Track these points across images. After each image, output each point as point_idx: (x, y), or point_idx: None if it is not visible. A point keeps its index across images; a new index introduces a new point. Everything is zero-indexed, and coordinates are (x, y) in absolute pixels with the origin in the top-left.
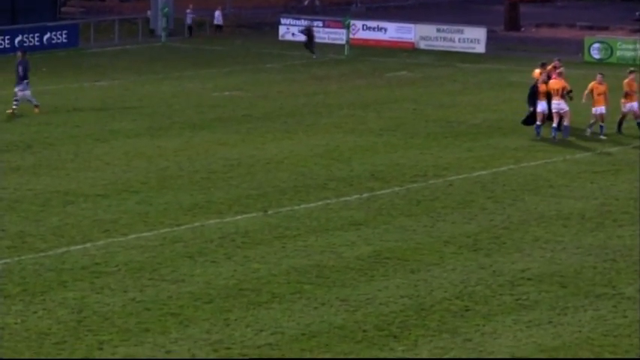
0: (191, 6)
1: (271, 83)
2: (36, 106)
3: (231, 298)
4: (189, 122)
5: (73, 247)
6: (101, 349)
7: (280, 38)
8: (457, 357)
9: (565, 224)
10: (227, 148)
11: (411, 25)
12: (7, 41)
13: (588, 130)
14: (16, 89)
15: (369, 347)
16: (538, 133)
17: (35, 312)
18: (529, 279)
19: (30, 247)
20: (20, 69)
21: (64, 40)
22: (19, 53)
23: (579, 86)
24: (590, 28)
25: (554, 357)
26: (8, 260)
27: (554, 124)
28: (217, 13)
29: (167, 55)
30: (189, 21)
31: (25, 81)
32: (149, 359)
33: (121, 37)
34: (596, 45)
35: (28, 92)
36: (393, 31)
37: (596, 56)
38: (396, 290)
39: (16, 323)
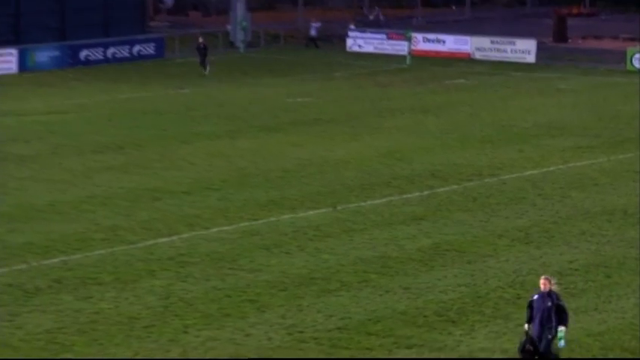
0: (314, 19)
1: (339, 90)
2: None
3: (303, 286)
4: (264, 125)
5: (160, 240)
6: (186, 332)
7: (348, 49)
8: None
9: (609, 219)
10: (299, 149)
11: (467, 37)
12: (100, 53)
13: None
14: None
15: (429, 331)
16: None
17: (126, 298)
18: (576, 269)
19: (121, 240)
20: None
21: (152, 52)
22: None
23: (621, 93)
24: (632, 39)
25: (600, 340)
26: (102, 251)
27: None
28: (313, 25)
29: (245, 64)
30: (313, 32)
31: None
32: None
33: None
34: (638, 55)
35: None
36: (450, 43)
37: (638, 66)
38: (454, 279)
39: (109, 308)
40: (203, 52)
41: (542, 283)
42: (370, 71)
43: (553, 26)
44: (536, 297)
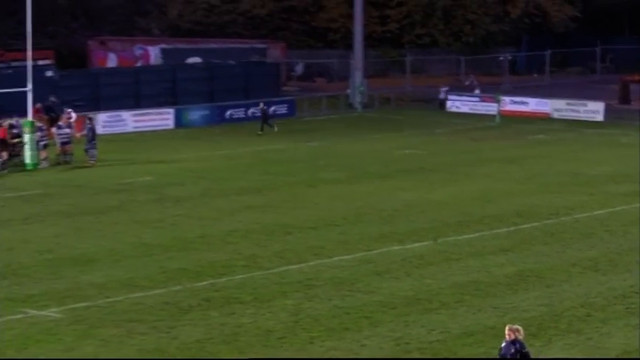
0: (443, 85)
1: (439, 143)
2: (94, 161)
3: (409, 306)
4: (377, 173)
5: (291, 267)
6: (312, 342)
7: (447, 110)
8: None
9: None
10: (406, 192)
11: (547, 100)
12: (242, 112)
13: None
14: (86, 147)
15: None
16: None
17: (263, 314)
18: (636, 292)
19: (259, 266)
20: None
21: (285, 111)
22: (88, 120)
23: None
24: None
25: None
26: (243, 276)
27: None
28: (442, 90)
29: (361, 122)
30: (442, 95)
31: (94, 142)
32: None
33: (327, 108)
34: None
35: (94, 151)
36: (533, 104)
37: None
38: (534, 300)
39: (249, 323)
40: (264, 115)
41: (507, 334)
42: (465, 128)
43: (618, 91)
44: (504, 345)
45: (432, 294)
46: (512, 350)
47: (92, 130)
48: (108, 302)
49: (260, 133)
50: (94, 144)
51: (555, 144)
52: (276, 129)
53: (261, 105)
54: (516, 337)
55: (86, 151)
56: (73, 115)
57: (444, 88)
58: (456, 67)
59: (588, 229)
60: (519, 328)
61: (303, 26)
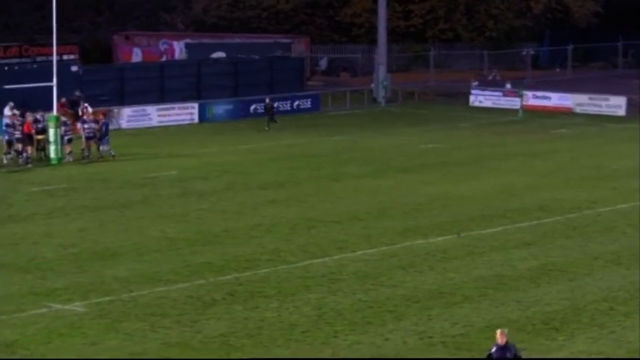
0: (473, 79)
1: (463, 138)
2: (113, 155)
3: (433, 299)
4: (401, 167)
5: (314, 260)
6: (336, 336)
7: (470, 104)
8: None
9: None
10: (430, 186)
11: (569, 95)
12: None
13: None
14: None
15: (536, 337)
16: None
17: (287, 308)
18: None
19: (283, 260)
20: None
21: (309, 106)
22: (101, 116)
23: None
24: None
25: None
26: (267, 270)
27: None
28: (474, 84)
29: (385, 116)
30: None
31: (107, 137)
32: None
33: (351, 103)
34: None
35: (105, 147)
36: (555, 99)
37: None
38: (557, 294)
39: (273, 316)
40: (270, 110)
41: (500, 336)
42: (489, 122)
43: None
44: (494, 349)
45: (456, 288)
46: (508, 355)
47: (106, 125)
48: (132, 296)
49: (267, 129)
50: (107, 139)
51: (578, 138)
52: (269, 127)
53: (267, 100)
54: (508, 341)
55: (98, 147)
56: (89, 109)
57: (475, 83)
58: (479, 61)
59: (611, 223)
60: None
61: (327, 21)
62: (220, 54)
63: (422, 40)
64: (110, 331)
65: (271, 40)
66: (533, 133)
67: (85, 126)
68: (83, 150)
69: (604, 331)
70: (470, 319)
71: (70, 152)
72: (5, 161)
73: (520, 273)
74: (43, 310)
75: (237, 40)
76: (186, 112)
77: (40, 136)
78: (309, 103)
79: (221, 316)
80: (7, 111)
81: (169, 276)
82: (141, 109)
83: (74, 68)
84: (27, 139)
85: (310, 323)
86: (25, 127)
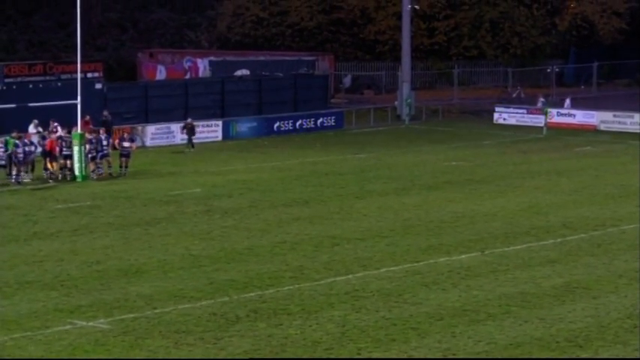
0: (541, 95)
1: (487, 155)
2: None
3: (457, 317)
4: (425, 184)
5: (338, 278)
6: (359, 354)
7: (494, 122)
8: None
9: None
10: (454, 204)
11: (594, 112)
12: (290, 124)
13: None
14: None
15: (560, 354)
16: None
17: (310, 326)
18: None
19: (306, 278)
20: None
21: (333, 123)
22: (101, 131)
23: None
24: None
25: None
26: (291, 287)
27: None
28: (540, 100)
29: (409, 134)
30: (539, 105)
31: (96, 154)
32: None
33: (375, 120)
34: None
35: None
36: (580, 117)
37: None
38: (581, 312)
39: (296, 334)
40: (191, 130)
41: None
42: (513, 140)
43: None
44: None
45: (479, 305)
46: None
47: (98, 142)
48: (156, 313)
49: (188, 150)
50: (93, 157)
51: (602, 156)
52: (190, 150)
53: (188, 120)
54: None
55: (87, 164)
56: (59, 128)
57: (542, 99)
58: (504, 79)
59: (635, 241)
60: None
61: (351, 38)
62: (244, 71)
63: (446, 57)
64: (134, 348)
65: (295, 58)
66: (558, 151)
67: (121, 144)
68: (121, 167)
69: (628, 348)
70: (493, 336)
71: (94, 170)
72: (45, 176)
73: (544, 290)
74: (68, 326)
75: (261, 58)
76: (210, 130)
77: (65, 154)
78: (333, 120)
79: (245, 333)
80: (31, 129)
81: (193, 293)
82: (165, 126)
83: (98, 86)
84: (50, 156)
85: (334, 340)
86: (48, 144)
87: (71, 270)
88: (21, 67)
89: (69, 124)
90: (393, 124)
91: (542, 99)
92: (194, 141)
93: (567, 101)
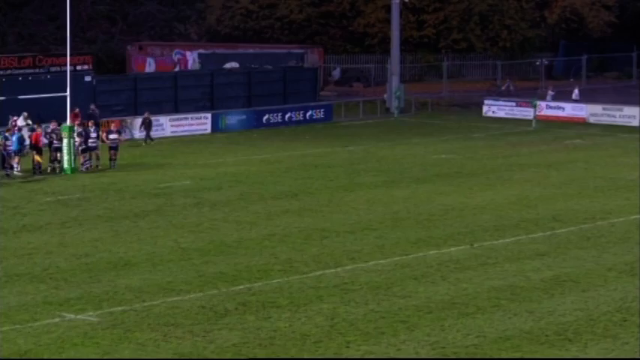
0: (551, 88)
1: (476, 148)
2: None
3: (446, 310)
4: (415, 177)
5: (327, 271)
6: (348, 347)
7: (484, 115)
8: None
9: None
10: (443, 196)
11: (583, 105)
12: (279, 116)
13: None
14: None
15: (550, 348)
16: None
17: (299, 319)
18: None
19: (295, 270)
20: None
21: (322, 116)
22: (90, 123)
23: None
24: None
25: None
26: (280, 280)
27: None
28: (550, 93)
29: (399, 127)
30: (548, 98)
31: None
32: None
33: (364, 113)
34: None
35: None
36: (569, 110)
37: None
38: (570, 305)
39: (285, 327)
40: (149, 125)
41: None
42: (502, 133)
43: None
44: None
45: (469, 298)
46: None
47: (84, 135)
48: (145, 306)
49: (145, 143)
50: (83, 149)
51: (592, 149)
52: (147, 143)
53: (146, 114)
54: None
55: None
56: (19, 122)
57: (552, 92)
58: (493, 72)
59: (625, 234)
60: None
61: (340, 31)
62: (234, 64)
63: (435, 50)
64: (123, 341)
65: (285, 51)
66: (547, 144)
67: (110, 137)
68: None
69: (617, 342)
70: (483, 329)
71: (83, 162)
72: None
73: (533, 284)
74: (57, 319)
75: (251, 51)
76: (199, 123)
77: (54, 146)
78: (322, 113)
79: (233, 326)
80: (20, 121)
81: (182, 286)
82: (154, 119)
83: (88, 78)
84: (35, 148)
85: (323, 333)
86: (34, 137)
87: (60, 263)
88: (10, 59)
89: (56, 116)
90: (383, 116)
91: (551, 92)
92: (152, 135)
93: (576, 91)
